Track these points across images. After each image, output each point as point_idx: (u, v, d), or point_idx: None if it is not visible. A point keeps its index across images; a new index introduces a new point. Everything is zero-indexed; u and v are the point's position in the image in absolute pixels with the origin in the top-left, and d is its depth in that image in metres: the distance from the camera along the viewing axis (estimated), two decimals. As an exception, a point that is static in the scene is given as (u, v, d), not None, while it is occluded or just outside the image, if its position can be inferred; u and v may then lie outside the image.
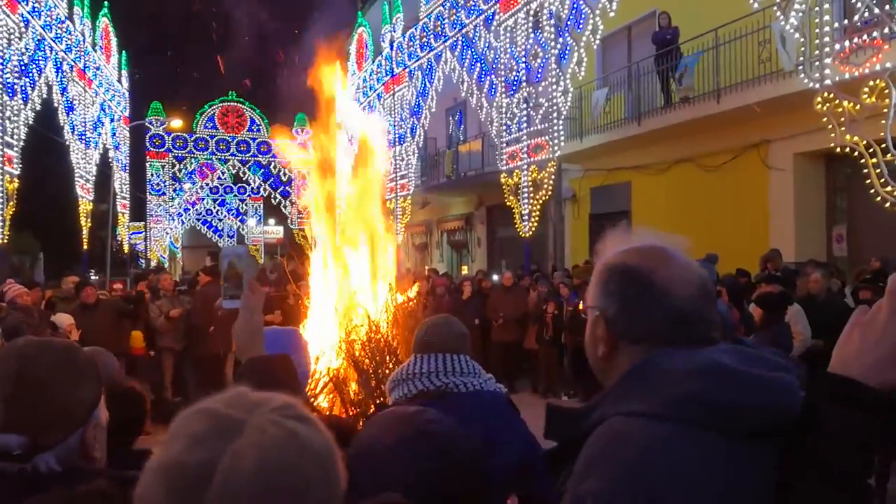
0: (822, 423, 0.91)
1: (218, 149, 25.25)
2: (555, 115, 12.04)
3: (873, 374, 0.92)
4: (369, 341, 3.85)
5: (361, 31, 21.26)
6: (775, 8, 8.34)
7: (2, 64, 12.92)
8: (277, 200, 25.81)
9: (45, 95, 15.28)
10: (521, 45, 12.81)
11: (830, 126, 7.75)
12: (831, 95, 7.68)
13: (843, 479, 0.91)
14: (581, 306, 8.17)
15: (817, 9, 7.86)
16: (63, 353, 1.30)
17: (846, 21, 7.73)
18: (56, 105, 16.52)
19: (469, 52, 14.66)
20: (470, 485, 1.32)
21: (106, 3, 21.06)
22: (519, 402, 2.23)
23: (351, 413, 3.60)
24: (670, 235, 1.16)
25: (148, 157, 24.96)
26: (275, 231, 31.81)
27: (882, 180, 7.37)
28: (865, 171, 7.54)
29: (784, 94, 9.16)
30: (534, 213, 12.63)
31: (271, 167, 25.58)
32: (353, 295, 4.08)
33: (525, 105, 12.77)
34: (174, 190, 25.42)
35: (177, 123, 24.45)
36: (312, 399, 3.47)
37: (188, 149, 25.11)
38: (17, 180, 13.42)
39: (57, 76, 16.12)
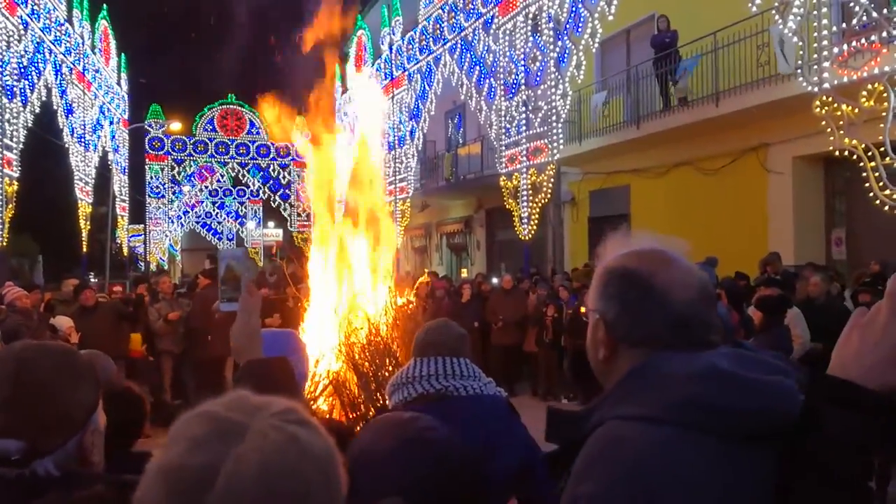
0: (822, 425, 0.91)
1: (217, 151, 25.27)
2: (554, 118, 12.05)
3: (873, 375, 0.91)
4: (369, 344, 3.85)
5: (360, 34, 21.28)
6: (774, 12, 8.36)
7: (1, 66, 12.92)
8: (277, 203, 25.82)
9: (44, 98, 15.29)
10: (520, 48, 12.83)
11: (829, 130, 7.76)
12: (830, 99, 7.69)
13: (843, 482, 0.90)
14: (582, 309, 8.17)
15: (816, 13, 7.88)
16: (61, 357, 1.30)
17: (844, 25, 7.75)
18: (55, 107, 16.52)
19: (468, 55, 14.68)
20: (467, 491, 1.31)
21: (105, 5, 21.10)
22: (519, 406, 2.23)
23: (351, 416, 3.59)
24: (671, 239, 1.16)
25: (147, 160, 24.97)
26: (274, 234, 31.80)
27: (881, 184, 7.37)
28: (864, 174, 7.55)
29: (783, 97, 9.18)
30: (533, 217, 12.63)
31: (270, 170, 25.59)
32: (353, 297, 4.08)
33: (524, 108, 12.78)
34: (173, 192, 25.42)
35: (176, 126, 24.47)
36: (312, 402, 3.47)
37: (187, 151, 25.13)
38: (16, 183, 13.41)
39: (56, 79, 16.13)
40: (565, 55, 11.74)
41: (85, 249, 19.41)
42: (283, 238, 30.41)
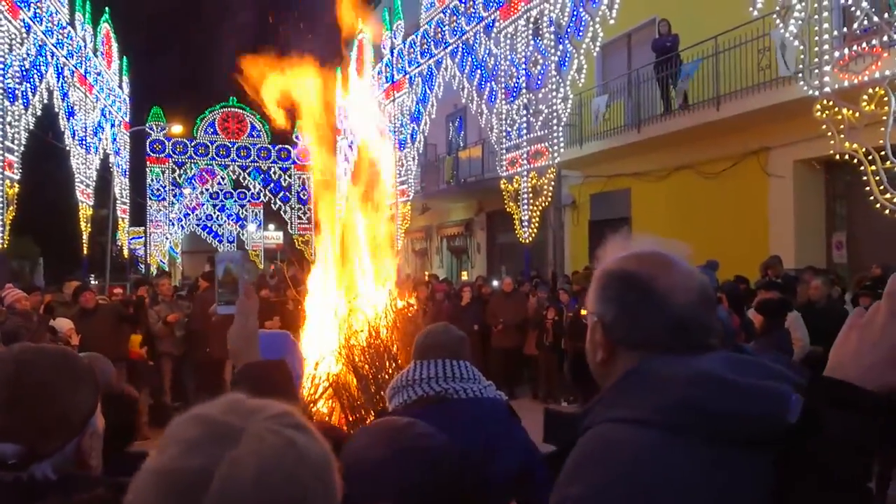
0: (822, 427, 0.90)
1: (218, 154, 25.28)
2: (555, 121, 12.06)
3: (871, 376, 0.91)
4: (369, 347, 3.84)
5: (362, 38, 21.31)
6: (775, 16, 8.36)
7: (3, 69, 12.94)
8: (277, 206, 25.83)
9: (45, 101, 15.31)
10: (521, 51, 12.84)
11: (830, 133, 7.76)
12: (831, 103, 7.69)
13: (843, 484, 0.90)
14: (582, 312, 8.16)
15: (817, 17, 7.88)
16: (60, 359, 1.29)
17: (845, 29, 7.75)
18: (57, 110, 16.55)
19: (469, 58, 14.70)
20: (464, 497, 1.31)
21: (107, 8, 21.14)
22: (519, 408, 2.23)
23: (351, 419, 3.59)
24: (672, 242, 1.15)
25: (148, 163, 24.98)
26: (275, 236, 31.82)
27: (881, 187, 7.37)
28: (865, 178, 7.54)
29: (783, 101, 9.18)
30: (533, 220, 12.63)
31: (271, 173, 25.61)
32: (353, 300, 4.08)
33: (525, 112, 12.79)
34: (174, 195, 25.43)
35: (177, 129, 24.49)
36: (312, 404, 3.46)
37: (188, 154, 25.14)
38: (17, 185, 13.42)
39: (58, 81, 16.16)
40: (566, 59, 11.75)
41: (86, 252, 19.42)
42: (283, 241, 30.42)
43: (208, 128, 25.37)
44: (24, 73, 13.93)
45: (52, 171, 21.94)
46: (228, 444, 0.66)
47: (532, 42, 12.62)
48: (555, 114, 12.03)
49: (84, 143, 18.46)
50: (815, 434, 0.90)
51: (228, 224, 27.27)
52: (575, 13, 11.48)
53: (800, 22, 7.95)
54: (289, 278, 6.81)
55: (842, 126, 7.63)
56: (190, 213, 26.64)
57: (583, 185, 14.85)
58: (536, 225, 12.67)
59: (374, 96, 18.17)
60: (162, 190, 25.06)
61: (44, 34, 15.08)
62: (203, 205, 26.73)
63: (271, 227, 31.43)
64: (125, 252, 25.59)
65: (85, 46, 18.52)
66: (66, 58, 16.69)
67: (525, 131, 12.79)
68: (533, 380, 10.26)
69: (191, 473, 0.64)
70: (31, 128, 14.36)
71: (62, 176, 19.58)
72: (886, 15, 7.27)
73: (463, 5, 14.97)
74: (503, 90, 13.42)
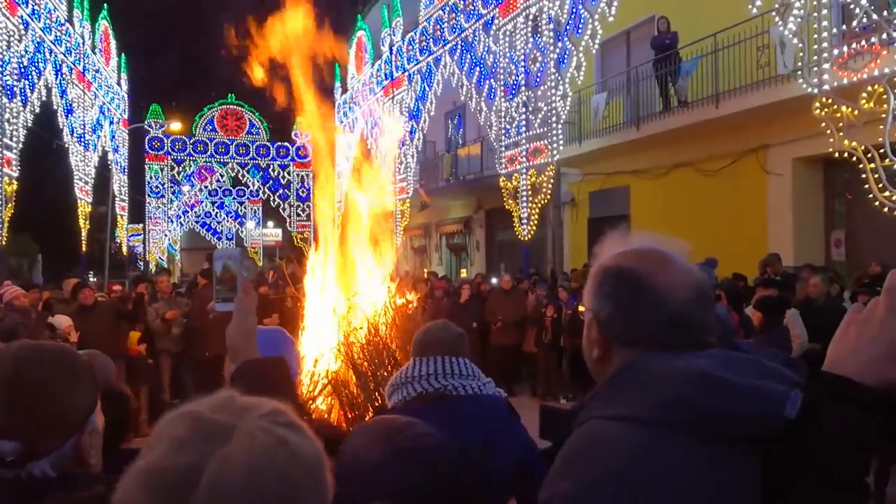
0: (821, 424, 0.90)
1: (217, 151, 25.26)
2: (554, 119, 12.05)
3: (870, 371, 0.91)
4: (368, 344, 3.84)
5: (361, 35, 21.27)
6: (774, 13, 8.36)
7: (1, 66, 12.91)
8: (276, 203, 25.82)
9: (44, 98, 15.28)
10: (521, 49, 12.83)
11: (829, 131, 7.76)
12: (830, 101, 7.69)
13: (843, 484, 0.90)
14: (580, 309, 8.17)
15: (816, 14, 7.88)
16: (60, 357, 1.29)
17: (844, 27, 7.75)
18: (55, 107, 16.52)
19: (468, 56, 14.68)
20: (462, 497, 1.30)
21: (105, 5, 21.09)
22: (518, 406, 2.23)
23: (350, 416, 3.59)
24: (671, 239, 1.15)
25: (147, 160, 24.96)
26: (273, 234, 31.81)
27: (880, 185, 7.38)
28: (864, 176, 7.55)
29: (782, 99, 9.17)
30: (533, 217, 12.63)
31: (270, 170, 25.59)
32: (352, 297, 4.07)
33: (524, 109, 12.78)
34: (173, 192, 25.41)
35: (176, 126, 24.46)
36: (311, 402, 3.46)
37: (187, 151, 25.12)
38: (15, 182, 13.41)
39: (56, 78, 16.12)
40: (565, 56, 11.74)
41: (84, 249, 19.41)
42: (282, 238, 30.41)
43: (207, 125, 25.35)
44: (23, 69, 13.91)
45: (50, 169, 21.91)
46: (219, 441, 0.65)
47: (531, 39, 12.61)
48: (554, 111, 12.02)
49: (83, 140, 18.43)
50: (814, 429, 0.90)
51: (227, 221, 27.26)
52: (574, 10, 11.47)
53: (799, 19, 7.95)
54: (287, 276, 6.81)
55: (841, 124, 7.63)
56: (189, 210, 26.63)
57: (582, 183, 14.85)
58: (535, 222, 12.67)
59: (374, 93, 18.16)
60: (161, 187, 25.04)
61: (42, 31, 15.05)
62: (202, 202, 26.73)
63: (270, 224, 31.42)
64: (124, 249, 25.56)
65: (83, 43, 18.49)
66: (64, 55, 16.65)
67: (524, 129, 12.78)
68: (532, 377, 10.27)
69: (179, 471, 0.63)
70: (29, 125, 14.34)
71: (61, 173, 19.58)
72: (885, 13, 7.27)
73: (462, 2, 14.95)
74: (502, 88, 13.41)
